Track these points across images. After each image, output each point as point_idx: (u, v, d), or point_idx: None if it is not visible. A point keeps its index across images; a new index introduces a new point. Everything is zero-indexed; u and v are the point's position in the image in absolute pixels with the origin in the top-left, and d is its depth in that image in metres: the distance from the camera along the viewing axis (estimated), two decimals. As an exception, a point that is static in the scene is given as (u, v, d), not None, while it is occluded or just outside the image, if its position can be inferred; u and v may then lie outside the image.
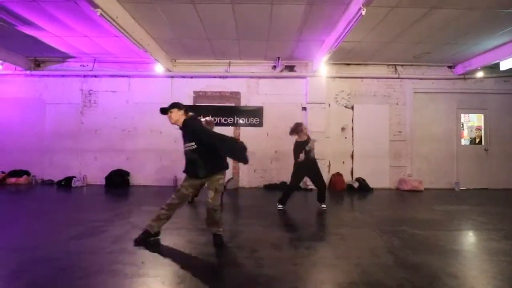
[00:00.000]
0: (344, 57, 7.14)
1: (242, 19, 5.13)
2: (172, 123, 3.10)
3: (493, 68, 6.94)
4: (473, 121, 7.83)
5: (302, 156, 4.70)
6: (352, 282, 2.27)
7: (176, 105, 3.08)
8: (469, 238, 3.60)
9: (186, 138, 3.05)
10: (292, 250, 3.03)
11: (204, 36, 5.88)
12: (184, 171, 3.14)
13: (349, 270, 2.50)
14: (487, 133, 7.74)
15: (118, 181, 7.15)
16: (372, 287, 2.21)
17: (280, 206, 4.88)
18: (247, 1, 4.52)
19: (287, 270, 2.50)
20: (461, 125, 7.79)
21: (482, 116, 7.77)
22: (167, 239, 3.22)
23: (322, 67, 6.89)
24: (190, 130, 3.01)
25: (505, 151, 7.64)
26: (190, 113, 3.17)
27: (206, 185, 3.21)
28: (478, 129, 7.84)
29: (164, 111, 3.08)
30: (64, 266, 2.50)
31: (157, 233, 3.19)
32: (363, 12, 4.09)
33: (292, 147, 4.86)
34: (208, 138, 2.94)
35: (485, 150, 7.69)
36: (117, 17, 4.58)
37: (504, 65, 6.23)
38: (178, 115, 3.04)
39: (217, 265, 2.61)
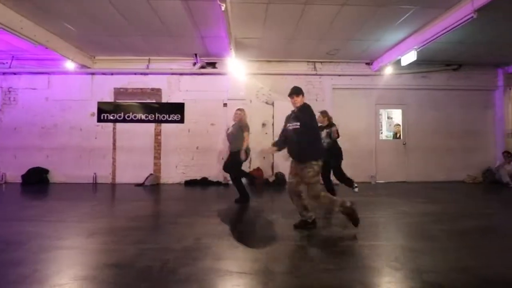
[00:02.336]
0: (261, 54, 7.25)
1: (128, 14, 5.15)
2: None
3: (410, 64, 7.06)
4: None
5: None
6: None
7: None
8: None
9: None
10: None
11: (103, 32, 5.90)
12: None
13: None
14: (405, 128, 7.94)
15: (35, 179, 7.12)
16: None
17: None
18: (120, -4, 4.59)
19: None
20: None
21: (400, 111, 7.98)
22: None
23: (242, 63, 6.98)
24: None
25: (422, 145, 7.84)
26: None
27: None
28: (398, 124, 8.05)
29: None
30: None
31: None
32: (223, 8, 4.19)
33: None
34: None
35: (403, 144, 7.88)
36: (-9, 13, 4.59)
37: (404, 61, 6.40)
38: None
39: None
